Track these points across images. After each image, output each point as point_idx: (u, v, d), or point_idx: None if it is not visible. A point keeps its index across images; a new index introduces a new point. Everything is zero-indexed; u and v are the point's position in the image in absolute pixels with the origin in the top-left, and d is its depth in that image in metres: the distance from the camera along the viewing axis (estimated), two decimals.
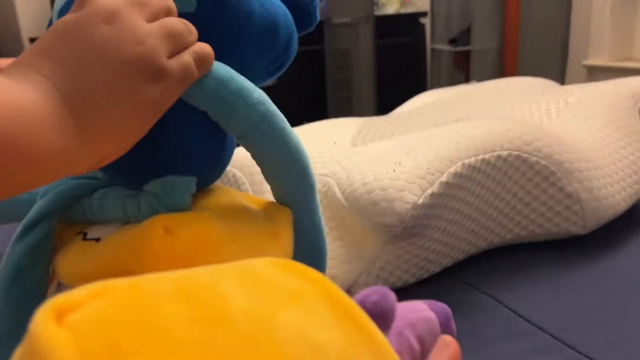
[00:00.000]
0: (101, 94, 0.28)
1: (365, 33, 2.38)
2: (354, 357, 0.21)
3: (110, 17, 0.29)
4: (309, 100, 2.59)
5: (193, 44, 0.32)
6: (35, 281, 0.35)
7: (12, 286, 0.35)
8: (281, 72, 0.43)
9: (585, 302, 0.60)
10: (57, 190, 0.36)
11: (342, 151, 0.76)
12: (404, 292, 0.65)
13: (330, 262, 0.62)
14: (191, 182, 0.35)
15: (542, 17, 2.57)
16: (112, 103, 0.29)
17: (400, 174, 0.59)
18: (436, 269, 0.67)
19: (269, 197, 0.41)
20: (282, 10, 0.40)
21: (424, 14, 2.77)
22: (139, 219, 0.34)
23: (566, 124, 0.79)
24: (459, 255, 0.68)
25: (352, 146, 0.80)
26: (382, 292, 0.32)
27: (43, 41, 0.29)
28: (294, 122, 0.94)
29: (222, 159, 0.39)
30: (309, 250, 0.41)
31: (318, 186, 0.68)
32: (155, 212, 0.34)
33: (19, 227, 0.36)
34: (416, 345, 0.37)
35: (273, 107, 0.36)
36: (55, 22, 0.29)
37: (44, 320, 0.18)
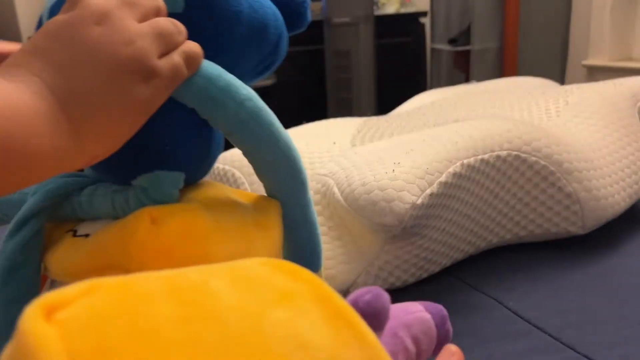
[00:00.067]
0: (94, 95, 0.29)
1: (365, 33, 2.38)
2: (344, 357, 0.21)
3: (102, 18, 0.29)
4: (309, 100, 2.59)
5: (182, 43, 0.33)
6: (27, 279, 0.35)
7: (4, 284, 0.35)
8: (270, 72, 0.43)
9: (584, 302, 0.60)
10: (46, 189, 0.36)
11: (341, 151, 0.76)
12: (403, 292, 0.65)
13: (329, 262, 0.62)
14: (179, 177, 0.36)
15: (542, 17, 2.56)
16: (105, 103, 0.29)
17: (400, 174, 0.59)
18: (435, 269, 0.67)
19: None
20: (272, 11, 0.40)
21: (424, 14, 2.76)
22: (127, 213, 0.34)
23: (566, 124, 0.79)
24: (458, 255, 0.68)
25: (351, 146, 0.80)
26: (375, 292, 0.32)
27: (35, 41, 0.29)
28: (294, 122, 0.94)
29: (210, 154, 0.40)
30: (302, 246, 0.41)
31: (317, 186, 0.68)
32: (143, 206, 0.34)
33: (10, 225, 0.36)
34: (411, 346, 0.37)
35: (261, 104, 0.36)
36: (46, 22, 0.30)
37: (32, 317, 0.18)
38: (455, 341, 0.42)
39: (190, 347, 0.19)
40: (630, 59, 2.28)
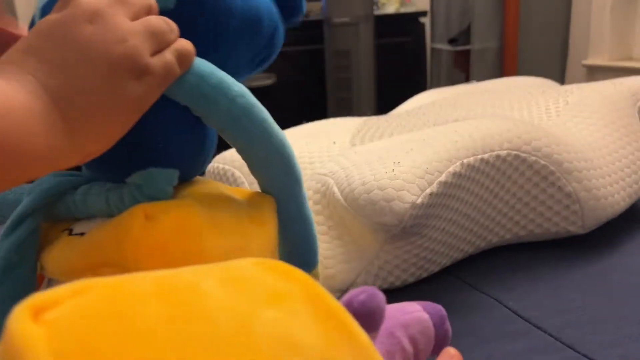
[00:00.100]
0: (87, 93, 0.29)
1: (365, 33, 2.37)
2: (334, 357, 0.21)
3: (94, 16, 0.29)
4: (309, 100, 2.59)
5: (174, 41, 0.33)
6: (23, 278, 0.36)
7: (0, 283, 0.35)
8: (267, 65, 0.43)
9: (584, 302, 0.60)
10: (41, 188, 0.36)
11: (341, 151, 0.76)
12: (403, 292, 0.65)
13: (329, 262, 0.62)
14: (173, 174, 0.36)
15: (542, 17, 2.56)
16: (98, 101, 0.29)
17: (399, 173, 0.59)
18: (435, 268, 0.67)
19: None
20: (266, 4, 0.40)
21: (424, 14, 2.76)
22: (122, 211, 0.34)
23: (565, 123, 0.79)
24: (458, 255, 0.68)
25: (351, 146, 0.80)
26: (370, 292, 0.31)
27: (28, 41, 0.29)
28: (294, 122, 0.94)
29: (203, 151, 0.40)
30: (298, 243, 0.42)
31: (317, 186, 0.68)
32: (137, 203, 0.34)
33: (5, 225, 0.37)
34: (408, 346, 0.37)
35: (253, 100, 0.36)
36: (38, 22, 0.30)
37: (20, 318, 0.18)
38: (454, 341, 0.42)
39: (179, 348, 0.19)
40: (630, 59, 2.28)
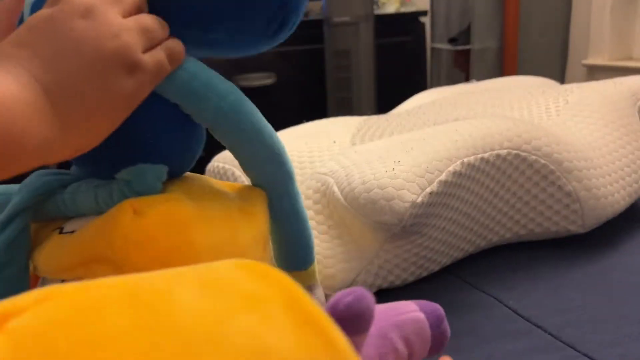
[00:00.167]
0: (79, 87, 0.29)
1: (365, 32, 2.37)
2: None
3: (87, 12, 0.30)
4: (309, 100, 2.59)
5: (165, 39, 0.33)
6: (14, 278, 0.36)
7: None
8: (289, 31, 0.39)
9: (584, 301, 0.60)
10: (30, 187, 0.36)
11: (341, 150, 0.76)
12: (403, 291, 0.65)
13: (328, 261, 0.62)
14: (162, 170, 0.36)
15: (542, 17, 2.56)
16: (90, 96, 0.29)
17: (399, 172, 0.59)
18: (435, 267, 0.67)
19: None
20: None
21: (424, 13, 2.76)
22: (111, 207, 0.34)
23: (566, 122, 0.79)
24: (458, 254, 0.68)
25: (351, 145, 0.80)
26: (357, 294, 0.31)
27: (19, 35, 0.29)
28: (294, 121, 0.94)
29: (192, 148, 0.40)
30: (293, 240, 0.42)
31: (317, 185, 0.68)
32: (126, 199, 0.34)
33: None
34: (402, 348, 0.36)
35: (242, 97, 0.36)
36: (29, 17, 0.30)
37: None
38: (454, 340, 0.41)
39: (143, 356, 0.18)
40: (630, 59, 2.28)
